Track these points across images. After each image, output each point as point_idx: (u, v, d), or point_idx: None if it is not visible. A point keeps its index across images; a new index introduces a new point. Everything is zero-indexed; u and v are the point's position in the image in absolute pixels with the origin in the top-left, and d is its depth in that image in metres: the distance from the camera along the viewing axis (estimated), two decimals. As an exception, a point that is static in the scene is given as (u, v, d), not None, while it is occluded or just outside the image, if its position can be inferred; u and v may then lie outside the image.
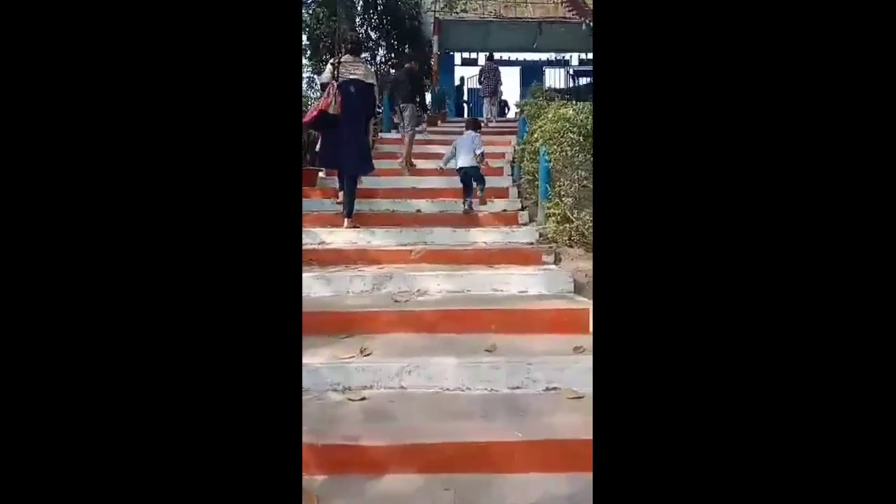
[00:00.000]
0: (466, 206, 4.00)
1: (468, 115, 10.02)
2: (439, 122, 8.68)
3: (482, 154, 4.11)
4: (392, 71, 8.89)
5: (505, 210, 4.26)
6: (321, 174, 4.78)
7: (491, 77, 9.18)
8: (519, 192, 4.75)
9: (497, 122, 9.28)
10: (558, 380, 1.94)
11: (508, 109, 11.38)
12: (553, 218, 3.67)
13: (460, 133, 4.59)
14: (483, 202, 4.14)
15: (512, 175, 5.39)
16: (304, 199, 3.68)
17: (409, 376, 1.92)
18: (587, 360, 1.91)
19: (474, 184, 4.07)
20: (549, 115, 3.84)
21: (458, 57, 11.89)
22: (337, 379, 1.89)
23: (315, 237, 3.52)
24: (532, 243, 3.57)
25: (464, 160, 4.08)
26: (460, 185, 4.19)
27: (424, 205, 4.35)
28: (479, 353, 2.06)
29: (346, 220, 3.60)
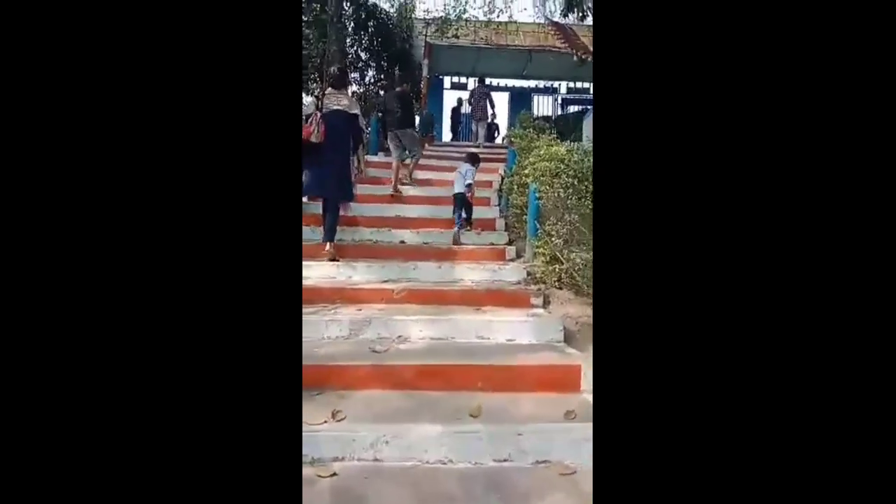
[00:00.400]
0: (457, 231, 4.20)
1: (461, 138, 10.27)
2: (427, 145, 8.61)
3: (469, 185, 4.41)
4: (381, 92, 8.82)
5: (492, 244, 4.14)
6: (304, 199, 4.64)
7: (481, 101, 9.25)
8: (506, 225, 4.64)
9: (485, 146, 9.27)
10: (548, 452, 1.78)
11: (498, 133, 11.41)
12: (542, 257, 3.56)
13: (448, 157, 5.01)
14: (467, 227, 4.38)
15: (499, 205, 5.29)
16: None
17: (385, 447, 1.74)
18: (580, 430, 1.76)
19: (461, 211, 4.36)
20: (541, 152, 3.74)
21: (447, 81, 11.93)
22: (306, 449, 1.70)
23: (292, 270, 3.33)
24: (520, 282, 3.44)
25: (457, 186, 4.45)
26: (445, 216, 4.36)
27: (409, 235, 4.20)
28: (464, 417, 1.89)
29: (326, 245, 3.57)
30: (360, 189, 4.42)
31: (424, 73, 9.71)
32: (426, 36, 9.62)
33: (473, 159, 4.72)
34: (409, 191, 5.40)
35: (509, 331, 2.65)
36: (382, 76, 9.86)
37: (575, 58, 9.32)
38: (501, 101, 12.00)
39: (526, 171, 3.74)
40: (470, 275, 3.49)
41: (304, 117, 3.38)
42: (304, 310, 2.76)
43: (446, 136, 11.66)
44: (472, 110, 9.83)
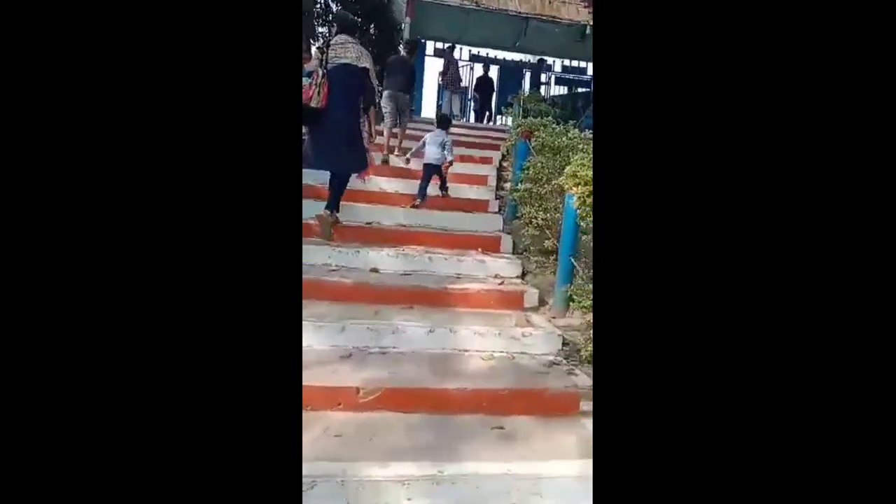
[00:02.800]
0: (419, 198, 3.91)
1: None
2: (398, 140, 7.15)
3: (451, 161, 4.09)
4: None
5: (501, 282, 2.91)
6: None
7: (454, 70, 8.43)
8: (514, 245, 3.43)
9: (474, 128, 7.99)
10: None
11: (490, 114, 10.10)
12: (583, 311, 2.39)
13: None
14: (444, 193, 4.09)
15: (502, 214, 4.06)
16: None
17: None
18: None
19: (433, 177, 4.02)
20: (584, 158, 2.49)
21: (430, 47, 10.38)
22: None
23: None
24: (554, 360, 2.25)
25: (429, 155, 3.99)
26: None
27: (386, 261, 2.93)
28: None
29: (325, 212, 3.08)
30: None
31: (405, 34, 8.18)
32: (409, -10, 8.07)
33: (445, 122, 4.24)
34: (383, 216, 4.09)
35: (559, 490, 1.47)
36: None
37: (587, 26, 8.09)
38: (491, 75, 10.56)
39: (565, 179, 2.49)
40: (478, 341, 2.27)
41: (304, 74, 2.84)
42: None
43: (428, 111, 10.19)
44: (446, 80, 8.70)
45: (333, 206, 3.13)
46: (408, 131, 5.62)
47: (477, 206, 4.23)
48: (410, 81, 5.43)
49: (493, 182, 5.01)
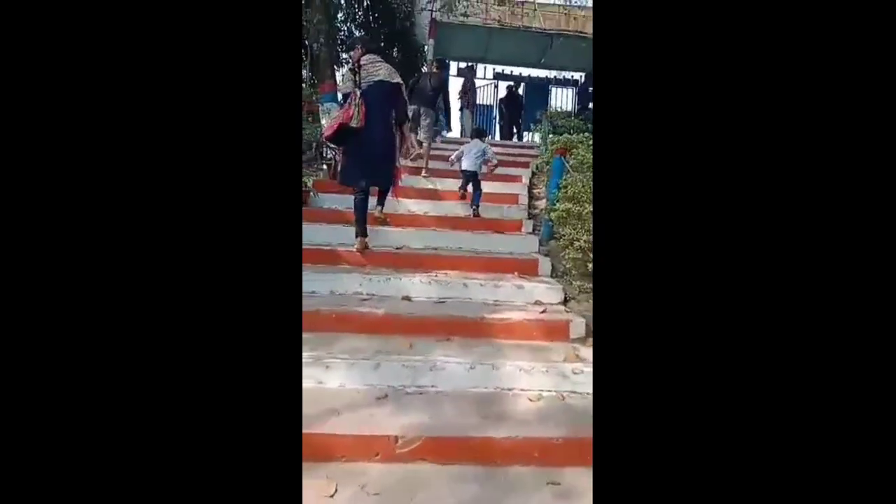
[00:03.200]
0: (463, 189, 4.36)
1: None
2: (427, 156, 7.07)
3: (496, 164, 4.47)
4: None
5: (543, 309, 2.68)
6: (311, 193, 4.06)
7: (472, 90, 8.30)
8: (553, 268, 3.23)
9: (502, 145, 7.85)
10: None
11: (519, 131, 9.89)
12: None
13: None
14: (476, 214, 4.20)
15: (538, 235, 3.87)
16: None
17: None
18: None
19: (470, 187, 4.30)
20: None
21: (453, 67, 10.39)
22: None
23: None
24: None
25: (467, 163, 4.33)
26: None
27: (419, 287, 2.77)
28: None
29: (357, 240, 3.11)
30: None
31: (429, 56, 8.19)
32: (431, 11, 8.09)
33: (480, 133, 4.74)
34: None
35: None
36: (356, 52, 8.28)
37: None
38: (519, 91, 10.45)
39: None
40: (524, 380, 2.06)
41: (340, 97, 3.14)
42: None
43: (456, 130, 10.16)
44: (466, 99, 8.66)
45: (363, 231, 3.12)
46: (434, 151, 5.61)
47: (510, 226, 4.07)
48: (435, 98, 5.56)
49: (524, 200, 4.83)
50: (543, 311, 2.63)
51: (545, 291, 2.88)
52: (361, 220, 3.11)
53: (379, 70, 3.05)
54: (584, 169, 3.10)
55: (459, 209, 4.37)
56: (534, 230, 4.04)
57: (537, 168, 6.19)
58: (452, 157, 4.61)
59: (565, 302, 2.86)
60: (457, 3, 7.93)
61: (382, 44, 8.38)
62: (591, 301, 2.79)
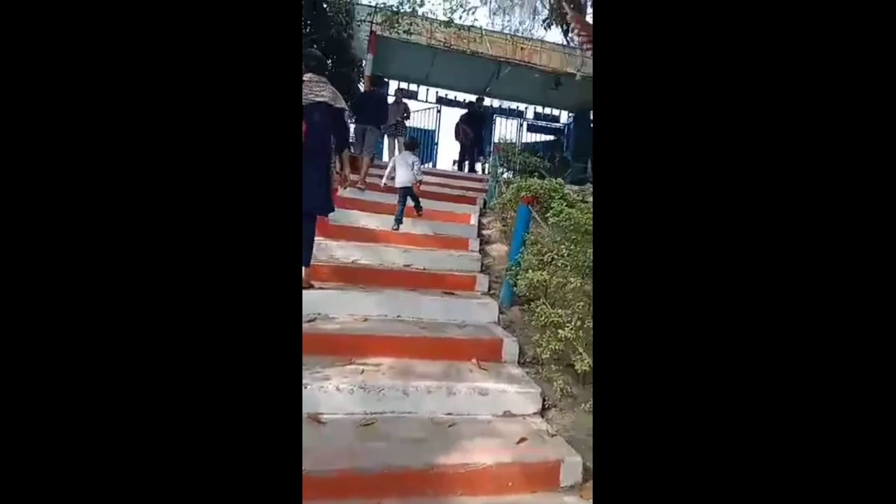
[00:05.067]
0: (395, 224, 4.06)
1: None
2: (366, 169, 6.14)
3: (420, 181, 4.45)
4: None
5: (521, 439, 1.83)
6: None
7: (399, 112, 6.91)
8: (521, 354, 2.43)
9: (451, 176, 7.02)
10: None
11: (472, 161, 8.50)
12: None
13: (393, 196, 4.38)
14: (419, 214, 4.36)
15: (494, 294, 3.08)
16: None
17: None
18: None
19: (409, 201, 4.29)
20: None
21: (392, 86, 9.59)
22: None
23: None
24: None
25: (401, 178, 4.25)
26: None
27: (338, 402, 1.84)
28: None
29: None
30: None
31: (367, 71, 7.35)
32: (371, 23, 7.29)
33: (412, 146, 4.68)
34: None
35: None
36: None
37: (577, 71, 7.49)
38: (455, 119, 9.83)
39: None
40: None
41: None
42: None
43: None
44: (390, 124, 6.72)
45: (306, 259, 2.74)
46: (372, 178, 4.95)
47: (461, 283, 3.25)
48: (382, 117, 5.65)
49: (475, 245, 4.05)
50: (521, 442, 1.78)
51: (516, 396, 2.05)
52: (306, 247, 2.74)
53: (322, 91, 2.84)
54: (570, 230, 2.33)
55: (396, 256, 3.49)
56: (489, 290, 3.25)
57: (485, 205, 5.50)
58: (384, 178, 4.55)
59: (543, 410, 2.05)
60: (399, 20, 7.20)
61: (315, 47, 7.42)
62: (581, 412, 2.01)
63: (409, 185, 4.26)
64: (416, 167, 4.33)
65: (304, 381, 1.85)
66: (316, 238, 2.95)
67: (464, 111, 8.87)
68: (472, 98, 9.10)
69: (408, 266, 3.43)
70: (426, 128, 10.11)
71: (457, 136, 8.53)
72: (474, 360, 2.32)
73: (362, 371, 2.03)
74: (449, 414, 1.93)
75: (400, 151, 6.44)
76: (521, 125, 10.47)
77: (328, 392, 1.84)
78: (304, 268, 2.68)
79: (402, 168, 4.31)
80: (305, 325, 2.34)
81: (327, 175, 2.93)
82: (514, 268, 2.86)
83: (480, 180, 6.98)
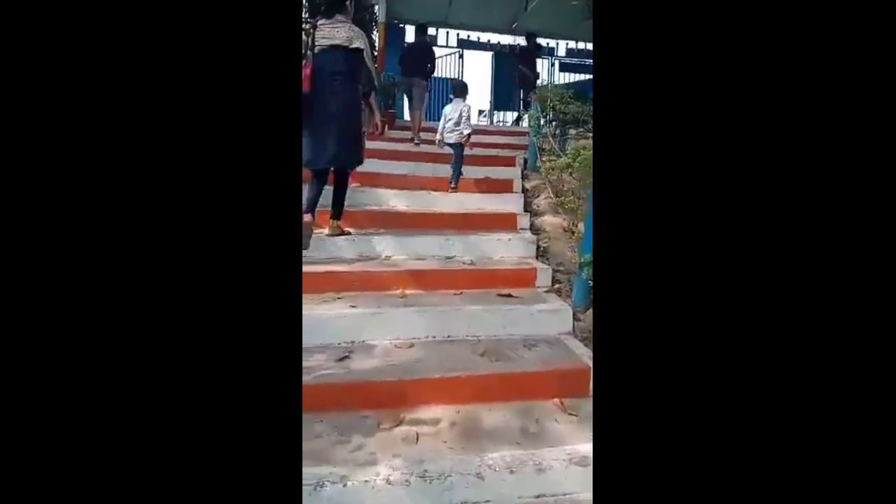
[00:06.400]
0: (453, 181, 3.66)
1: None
2: (385, 128, 5.44)
3: (469, 135, 3.74)
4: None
5: None
6: None
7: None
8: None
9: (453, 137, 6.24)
10: None
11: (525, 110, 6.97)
12: None
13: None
14: (455, 189, 3.67)
15: (560, 291, 2.50)
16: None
17: None
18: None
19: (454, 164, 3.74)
20: None
21: (409, 32, 8.64)
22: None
23: None
24: None
25: (449, 135, 3.77)
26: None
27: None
28: None
29: (332, 221, 2.79)
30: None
31: (380, 16, 6.49)
32: (382, -40, 6.36)
33: (462, 90, 3.94)
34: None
35: None
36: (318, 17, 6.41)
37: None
38: (482, 63, 8.88)
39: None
40: None
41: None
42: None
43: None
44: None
45: (337, 213, 2.80)
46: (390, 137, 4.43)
47: (517, 278, 2.67)
48: (429, 69, 5.34)
49: (524, 222, 3.42)
50: None
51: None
52: (334, 202, 2.79)
53: (338, 33, 2.63)
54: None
55: (435, 246, 2.91)
56: (553, 284, 2.67)
57: (526, 165, 4.77)
58: (438, 133, 3.90)
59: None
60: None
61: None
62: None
63: (456, 142, 3.69)
64: (464, 118, 3.70)
65: (343, 469, 1.36)
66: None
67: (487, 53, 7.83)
68: (492, 40, 7.92)
69: (449, 259, 2.86)
70: (447, 76, 9.18)
71: (519, 82, 7.28)
72: (556, 401, 1.80)
73: (417, 439, 1.53)
74: (540, 496, 1.42)
75: (418, 108, 5.68)
76: (553, 64, 9.39)
77: (377, 488, 1.35)
78: (334, 221, 2.79)
79: (451, 120, 3.74)
80: (338, 369, 1.84)
81: (355, 126, 2.73)
82: (586, 259, 2.26)
83: (518, 134, 6.14)
